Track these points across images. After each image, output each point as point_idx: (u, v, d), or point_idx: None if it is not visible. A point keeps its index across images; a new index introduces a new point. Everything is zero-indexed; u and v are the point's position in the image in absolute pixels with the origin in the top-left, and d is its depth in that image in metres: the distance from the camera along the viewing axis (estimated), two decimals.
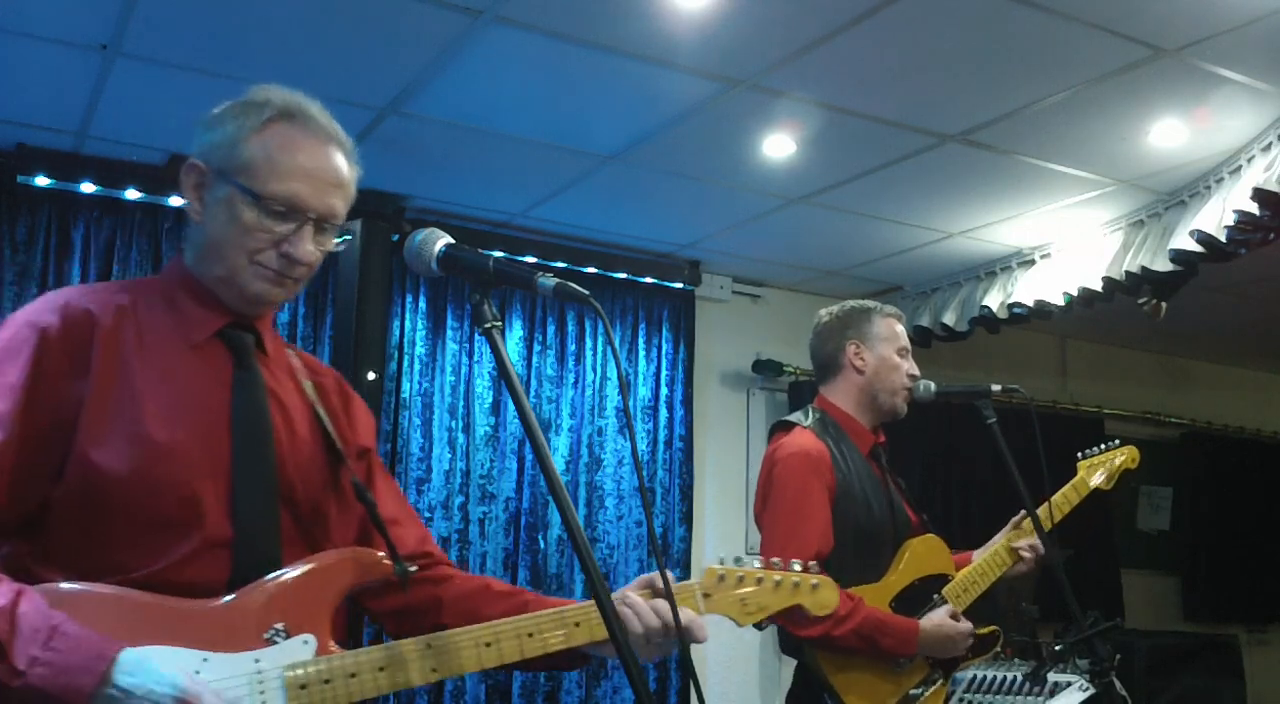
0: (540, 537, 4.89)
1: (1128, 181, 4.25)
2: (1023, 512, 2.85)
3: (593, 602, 1.47)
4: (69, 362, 1.43)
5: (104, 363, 1.44)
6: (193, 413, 1.48)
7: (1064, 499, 2.93)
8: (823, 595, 1.79)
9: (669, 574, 1.57)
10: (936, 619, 2.65)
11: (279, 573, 1.45)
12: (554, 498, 1.41)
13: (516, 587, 1.69)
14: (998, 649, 2.80)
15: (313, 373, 1.71)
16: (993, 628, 2.74)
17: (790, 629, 2.54)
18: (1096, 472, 3.01)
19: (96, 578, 1.36)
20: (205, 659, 1.34)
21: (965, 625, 2.66)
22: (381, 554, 1.54)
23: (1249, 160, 3.78)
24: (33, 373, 1.39)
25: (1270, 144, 3.66)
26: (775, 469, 2.74)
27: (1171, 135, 3.81)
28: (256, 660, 1.37)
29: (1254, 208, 3.65)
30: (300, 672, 1.38)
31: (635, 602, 1.56)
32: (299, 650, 1.40)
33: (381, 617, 1.67)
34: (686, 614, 1.56)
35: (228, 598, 1.41)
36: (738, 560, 1.75)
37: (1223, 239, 3.83)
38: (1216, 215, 3.86)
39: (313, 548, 1.53)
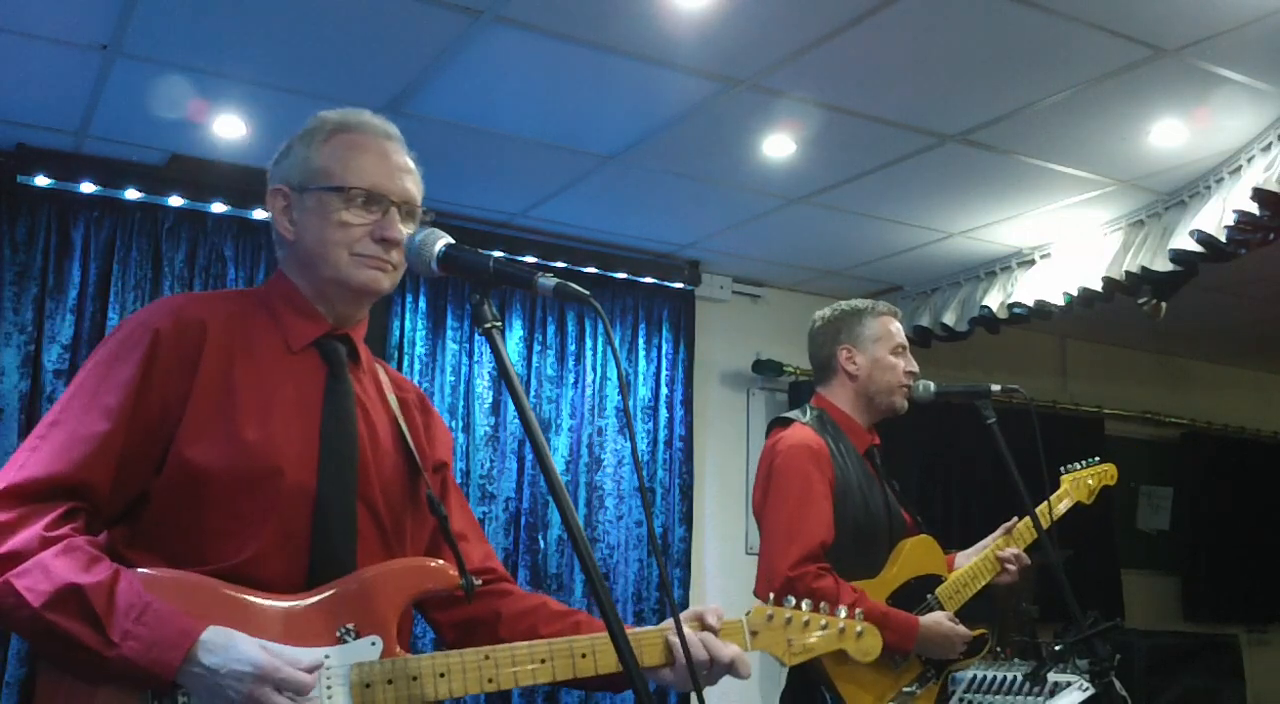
0: (540, 537, 4.89)
1: (1128, 181, 4.25)
2: (1014, 518, 2.91)
3: (645, 629, 1.63)
4: (178, 362, 1.52)
5: (210, 366, 1.54)
6: (285, 416, 1.56)
7: (1049, 509, 2.99)
8: (866, 642, 1.84)
9: (718, 608, 1.69)
10: (936, 619, 2.66)
11: (353, 575, 1.52)
12: (554, 498, 1.43)
13: (571, 608, 1.77)
14: (994, 649, 2.80)
15: (397, 387, 1.79)
16: (981, 631, 2.75)
17: None
18: (1078, 486, 3.08)
19: (182, 566, 1.45)
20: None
21: (963, 630, 2.68)
22: (440, 562, 1.59)
23: (1249, 160, 3.79)
24: (143, 370, 1.50)
25: (1270, 144, 3.66)
26: (776, 461, 2.74)
27: (1171, 135, 3.81)
28: (326, 656, 1.43)
29: (1254, 208, 3.65)
30: (366, 671, 1.45)
31: (685, 634, 1.61)
32: (366, 651, 1.46)
33: (443, 627, 1.75)
34: (733, 649, 1.65)
35: (303, 595, 1.48)
36: (787, 602, 1.81)
37: (1223, 239, 3.83)
38: (1216, 215, 3.86)
39: (387, 554, 1.60)
